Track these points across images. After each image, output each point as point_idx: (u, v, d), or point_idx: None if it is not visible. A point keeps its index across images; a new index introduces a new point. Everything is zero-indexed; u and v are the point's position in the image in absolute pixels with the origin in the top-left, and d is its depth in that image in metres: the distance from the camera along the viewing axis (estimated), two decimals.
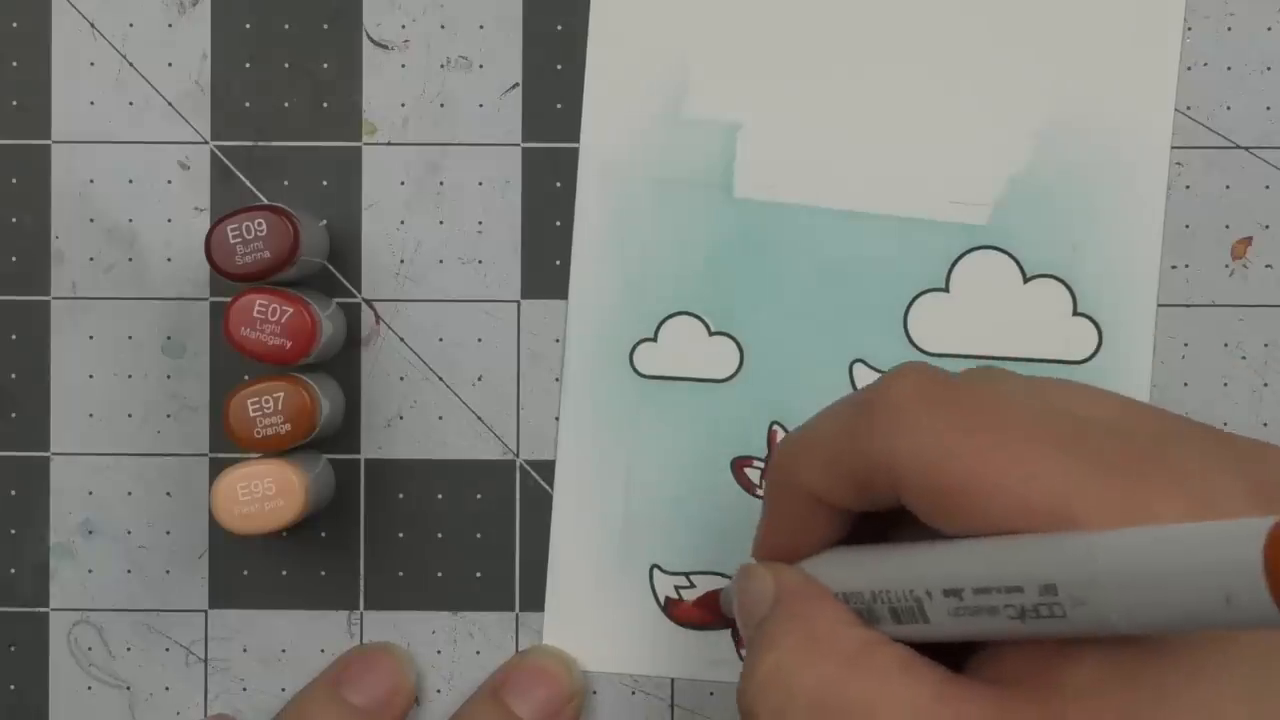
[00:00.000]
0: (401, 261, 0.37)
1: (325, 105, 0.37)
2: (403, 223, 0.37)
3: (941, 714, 0.23)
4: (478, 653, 0.37)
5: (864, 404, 0.26)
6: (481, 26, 0.37)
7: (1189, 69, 0.36)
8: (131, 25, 0.37)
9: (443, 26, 0.37)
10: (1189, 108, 0.36)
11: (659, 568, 0.37)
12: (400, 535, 0.37)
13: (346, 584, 0.37)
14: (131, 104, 0.37)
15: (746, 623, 0.28)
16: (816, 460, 0.27)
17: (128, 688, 0.37)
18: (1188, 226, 0.36)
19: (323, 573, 0.37)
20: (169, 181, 0.37)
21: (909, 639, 0.25)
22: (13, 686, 0.37)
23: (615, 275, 0.37)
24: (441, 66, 0.37)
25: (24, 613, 0.37)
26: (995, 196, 0.36)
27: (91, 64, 0.37)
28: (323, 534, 0.37)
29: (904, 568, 0.25)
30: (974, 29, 0.36)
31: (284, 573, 0.37)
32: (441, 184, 0.37)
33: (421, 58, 0.37)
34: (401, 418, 0.37)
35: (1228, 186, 0.36)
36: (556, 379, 0.37)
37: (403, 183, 0.37)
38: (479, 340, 0.37)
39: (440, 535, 0.37)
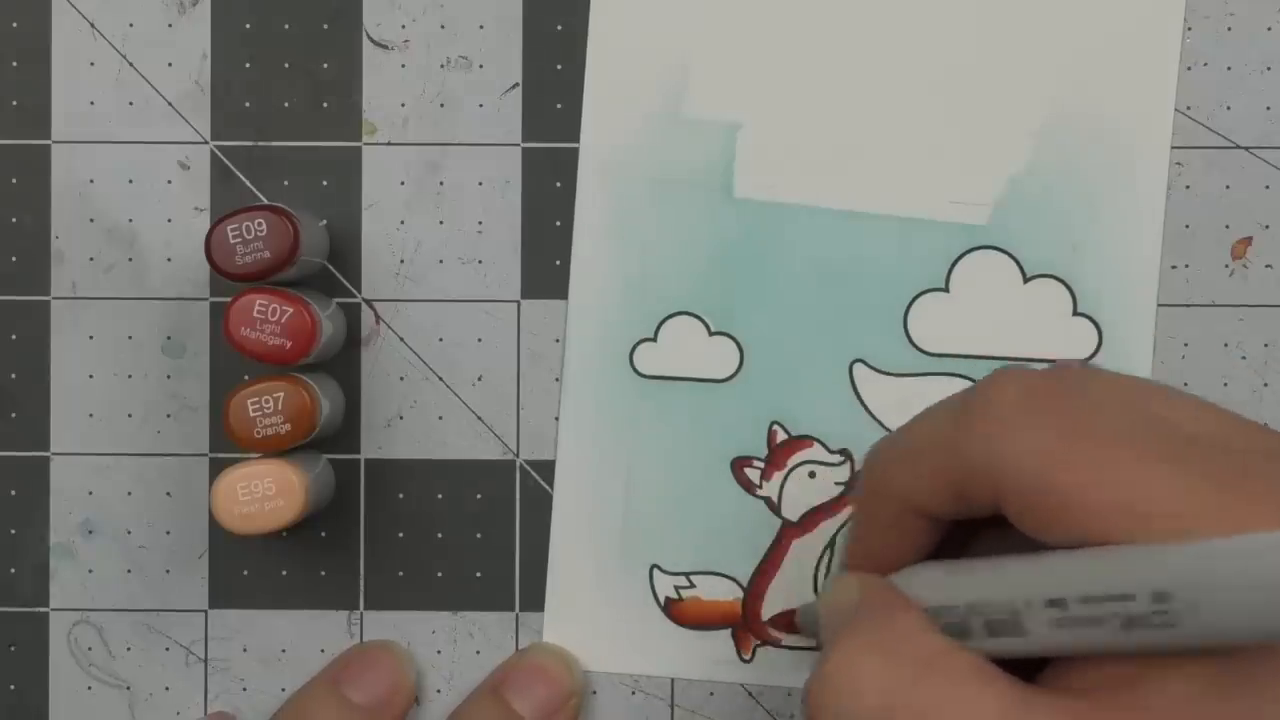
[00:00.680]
0: (401, 261, 0.37)
1: (325, 105, 0.37)
2: (403, 223, 0.37)
3: None
4: (478, 653, 0.37)
5: (964, 410, 0.25)
6: (481, 26, 0.37)
7: (1189, 69, 0.36)
8: (131, 25, 0.37)
9: (443, 26, 0.37)
10: (1189, 108, 0.36)
11: (659, 568, 0.37)
12: (400, 535, 0.37)
13: (346, 584, 0.37)
14: (131, 104, 0.37)
15: (829, 628, 0.28)
16: (913, 468, 0.26)
17: (128, 688, 0.37)
18: (1188, 226, 0.36)
19: (323, 573, 0.37)
20: (169, 181, 0.37)
21: (999, 654, 0.24)
22: (13, 686, 0.37)
23: (615, 275, 0.37)
24: (441, 66, 0.37)
25: (24, 613, 0.37)
26: (995, 196, 0.36)
27: (91, 64, 0.37)
28: (323, 534, 0.37)
29: (1003, 579, 0.25)
30: (974, 29, 0.36)
31: (284, 573, 0.37)
32: (441, 184, 0.37)
33: (421, 58, 0.37)
34: (401, 418, 0.37)
35: (1228, 186, 0.36)
36: (556, 379, 0.37)
37: (403, 183, 0.37)
38: (479, 340, 0.37)
39: (440, 535, 0.37)
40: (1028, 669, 0.24)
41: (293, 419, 0.33)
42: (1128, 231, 0.36)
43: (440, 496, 0.37)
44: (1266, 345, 0.36)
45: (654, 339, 0.37)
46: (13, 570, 0.37)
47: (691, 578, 0.37)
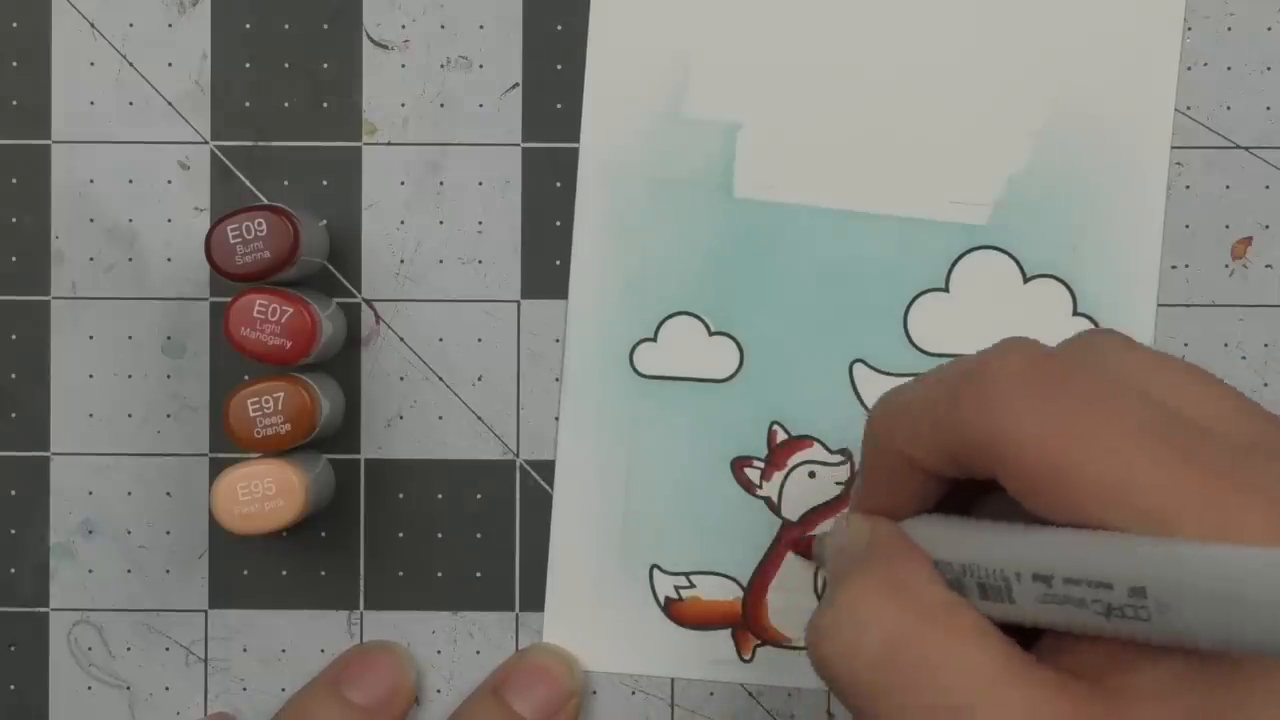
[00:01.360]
0: (401, 261, 0.37)
1: (325, 105, 0.37)
2: (403, 223, 0.37)
3: (1008, 690, 0.23)
4: (478, 653, 0.37)
5: (966, 376, 0.25)
6: (481, 26, 0.37)
7: (1189, 69, 0.36)
8: (131, 25, 0.37)
9: (443, 26, 0.37)
10: (1189, 108, 0.36)
11: (659, 568, 0.37)
12: (400, 535, 0.37)
13: (346, 584, 0.37)
14: (131, 104, 0.37)
15: (837, 566, 0.28)
16: (913, 426, 0.26)
17: (128, 688, 0.37)
18: (1188, 226, 0.36)
19: (323, 573, 0.37)
20: (169, 181, 0.37)
21: (990, 617, 0.25)
22: (13, 686, 0.37)
23: (615, 275, 0.37)
24: (441, 66, 0.37)
25: (24, 613, 0.37)
26: (995, 196, 0.36)
27: (91, 64, 0.37)
28: (323, 534, 0.37)
29: (997, 545, 0.25)
30: (974, 29, 0.36)
31: (284, 573, 0.37)
32: (441, 184, 0.37)
33: (421, 58, 0.37)
34: (401, 418, 0.37)
35: (1228, 186, 0.36)
36: (556, 379, 0.37)
37: (403, 183, 0.37)
38: (479, 340, 0.37)
39: (440, 535, 0.37)
40: (1024, 635, 0.25)
41: (293, 419, 0.33)
42: (1128, 231, 0.36)
43: (440, 496, 0.37)
44: (1266, 345, 0.36)
45: (654, 339, 0.37)
46: (13, 570, 0.37)
47: (691, 578, 0.37)
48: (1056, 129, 0.36)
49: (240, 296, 0.33)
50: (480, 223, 0.37)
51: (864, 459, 0.29)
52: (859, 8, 0.36)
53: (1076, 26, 0.36)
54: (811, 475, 0.37)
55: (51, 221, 0.37)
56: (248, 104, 0.37)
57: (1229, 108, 0.36)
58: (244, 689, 0.37)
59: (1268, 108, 0.36)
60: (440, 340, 0.37)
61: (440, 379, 0.37)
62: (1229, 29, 0.36)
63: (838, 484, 0.37)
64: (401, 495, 0.37)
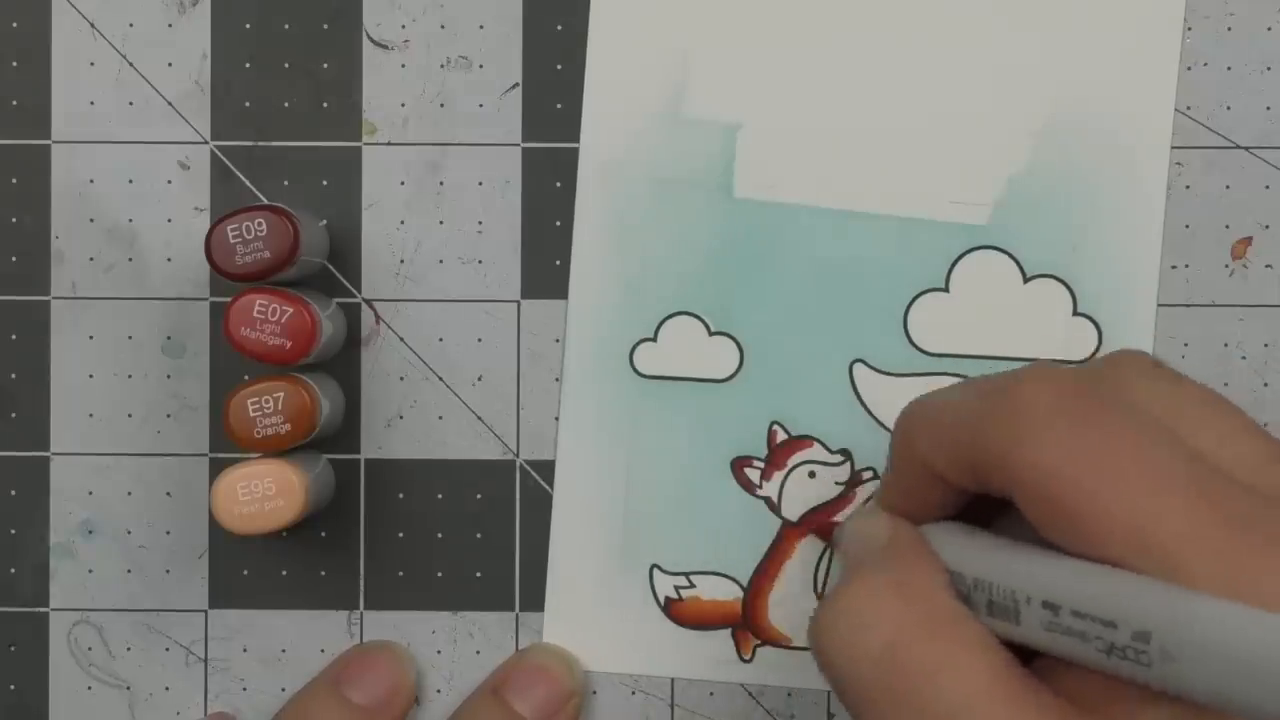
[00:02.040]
0: (401, 261, 0.37)
1: (325, 105, 0.37)
2: (403, 223, 0.37)
3: (1003, 706, 0.23)
4: (478, 653, 0.37)
5: (996, 398, 0.25)
6: (481, 26, 0.37)
7: (1189, 69, 0.36)
8: (131, 25, 0.37)
9: (443, 26, 0.37)
10: (1189, 108, 0.36)
11: (659, 568, 0.37)
12: (400, 535, 0.37)
13: (346, 584, 0.37)
14: (131, 104, 0.37)
15: (853, 557, 0.28)
16: (937, 439, 0.27)
17: (128, 688, 0.37)
18: (1188, 226, 0.36)
19: (323, 573, 0.37)
20: (169, 181, 0.37)
21: (995, 633, 0.25)
22: (13, 686, 0.37)
23: (615, 275, 0.37)
24: (441, 66, 0.37)
25: (24, 613, 0.37)
26: (995, 196, 0.36)
27: (91, 64, 0.37)
28: (323, 534, 0.37)
29: (1012, 566, 0.25)
30: (973, 29, 0.36)
31: (284, 573, 0.37)
32: (441, 184, 0.37)
33: (421, 58, 0.37)
34: (401, 418, 0.37)
35: (1228, 186, 0.36)
36: (556, 379, 0.37)
37: (403, 183, 0.37)
38: (479, 340, 0.37)
39: (440, 535, 0.37)
40: (1024, 651, 0.25)
41: (293, 419, 0.33)
42: (1128, 231, 0.36)
43: (440, 496, 0.37)
44: (1266, 345, 0.36)
45: (654, 339, 0.37)
46: (13, 570, 0.37)
47: (691, 578, 0.37)
48: (1056, 129, 0.36)
49: (240, 296, 0.33)
50: (480, 223, 0.37)
51: (890, 460, 0.29)
52: (859, 8, 0.36)
53: (1076, 26, 0.36)
54: (811, 475, 0.37)
55: (51, 221, 0.37)
56: (248, 104, 0.37)
57: (1229, 108, 0.36)
58: (244, 689, 0.37)
59: (1268, 108, 0.36)
60: (440, 340, 0.37)
61: (440, 379, 0.37)
62: (1229, 29, 0.36)
63: (838, 484, 0.37)
64: (401, 495, 0.37)
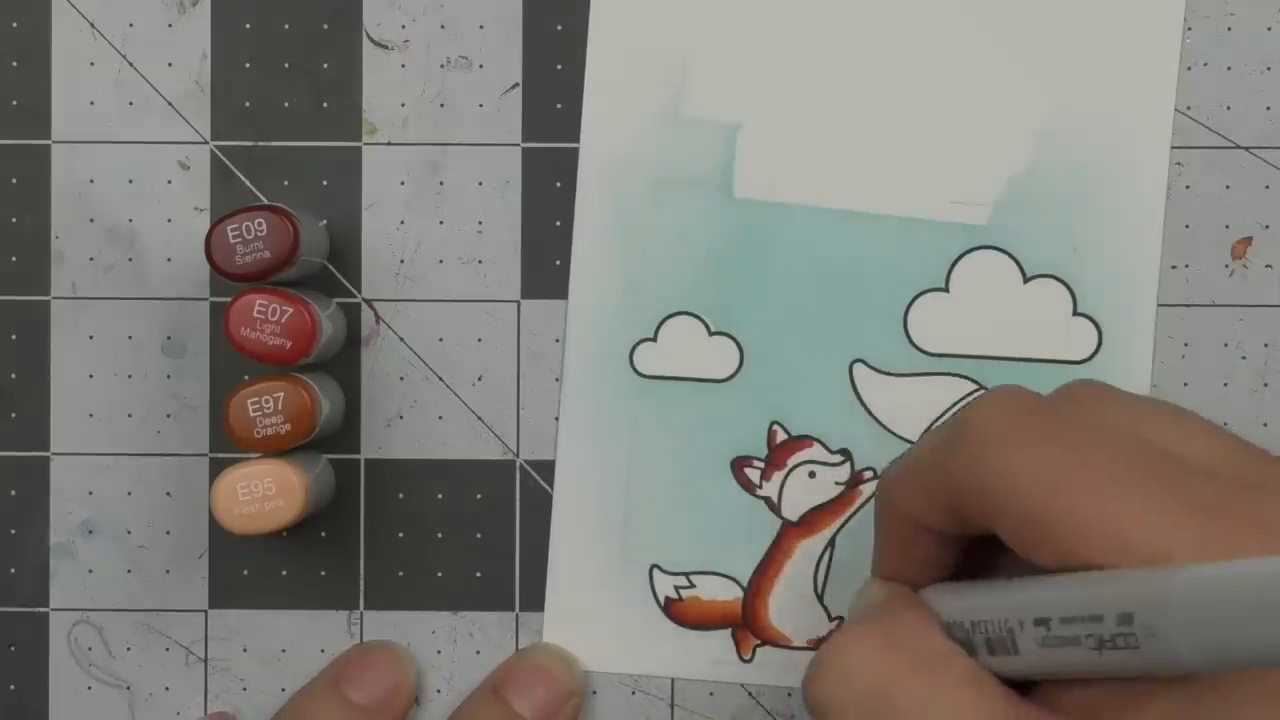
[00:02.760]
0: (401, 261, 0.37)
1: (325, 105, 0.37)
2: (403, 223, 0.37)
3: None
4: (478, 653, 0.37)
5: (952, 433, 0.25)
6: (481, 26, 0.37)
7: (1189, 69, 0.36)
8: (131, 25, 0.37)
9: (443, 26, 0.37)
10: (1189, 108, 0.36)
11: (659, 568, 0.37)
12: (400, 535, 0.37)
13: (346, 584, 0.37)
14: (131, 104, 0.37)
15: (846, 625, 0.28)
16: (912, 486, 0.27)
17: (128, 688, 0.37)
18: (1188, 226, 0.36)
19: (323, 573, 0.37)
20: (169, 181, 0.37)
21: (999, 673, 0.25)
22: (13, 686, 0.37)
23: (615, 275, 0.37)
24: (441, 66, 0.37)
25: (24, 613, 0.37)
26: (995, 196, 0.36)
27: (91, 64, 0.37)
28: (323, 534, 0.37)
29: (1000, 597, 0.25)
30: (974, 29, 0.36)
31: (284, 573, 0.37)
32: (441, 184, 0.37)
33: (421, 58, 0.37)
34: (401, 418, 0.37)
35: (1228, 186, 0.36)
36: (556, 379, 0.37)
37: (403, 183, 0.37)
38: (479, 340, 0.37)
39: (440, 535, 0.37)
40: (1023, 692, 0.25)
41: (293, 419, 0.33)
42: (1128, 231, 0.36)
43: (440, 496, 0.37)
44: (1266, 345, 0.36)
45: (654, 339, 0.37)
46: (13, 570, 0.37)
47: (691, 578, 0.37)
48: (1056, 129, 0.36)
49: (240, 296, 0.33)
50: (480, 223, 0.37)
51: (876, 526, 0.29)
52: (859, 8, 0.36)
53: (1076, 26, 0.36)
54: (811, 475, 0.37)
55: (51, 221, 0.37)
56: (248, 104, 0.37)
57: (1229, 108, 0.36)
58: (244, 689, 0.37)
59: (1268, 108, 0.36)
60: (440, 340, 0.37)
61: (440, 379, 0.37)
62: (1229, 29, 0.36)
63: (838, 484, 0.37)
64: (401, 495, 0.37)
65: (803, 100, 0.37)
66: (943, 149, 0.36)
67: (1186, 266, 0.36)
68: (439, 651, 0.37)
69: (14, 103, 0.37)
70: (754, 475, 0.37)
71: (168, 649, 0.37)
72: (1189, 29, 0.36)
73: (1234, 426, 0.36)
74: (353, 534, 0.37)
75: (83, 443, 0.37)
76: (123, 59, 0.37)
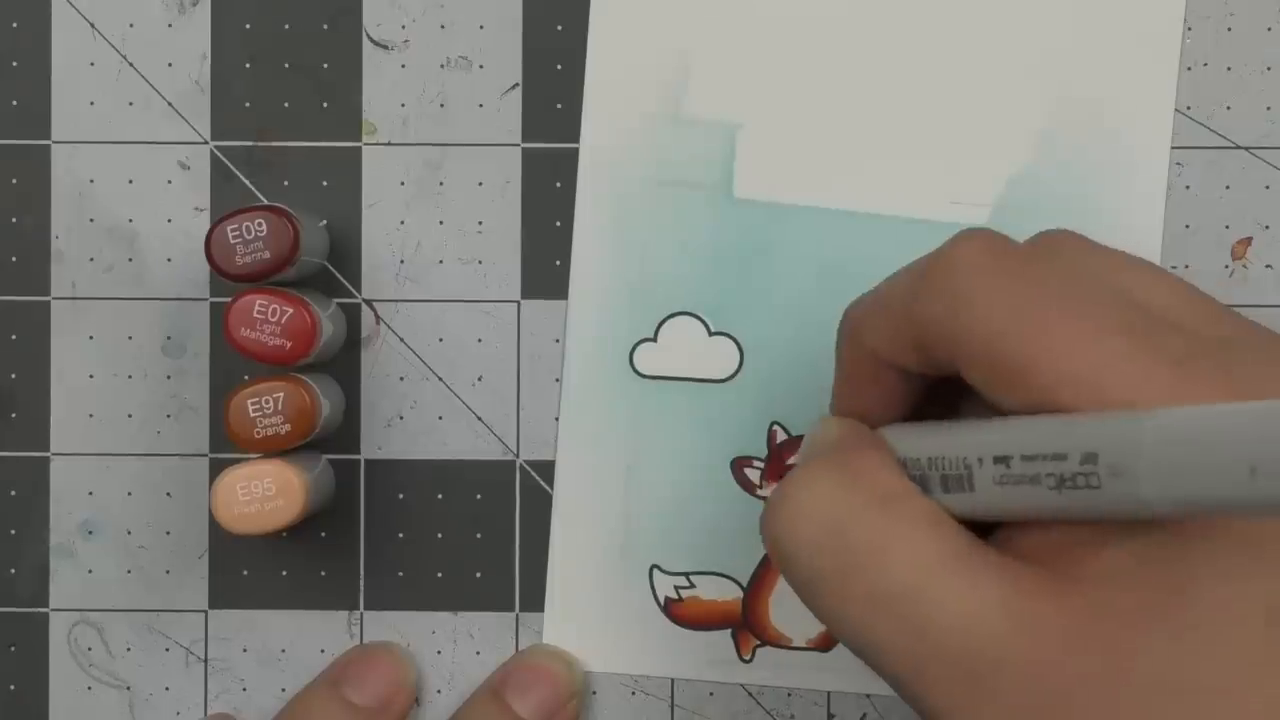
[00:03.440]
0: (401, 261, 0.37)
1: (325, 105, 0.37)
2: (403, 223, 0.37)
3: (955, 576, 0.23)
4: (478, 653, 0.37)
5: (927, 269, 0.25)
6: (481, 26, 0.37)
7: (1189, 69, 0.36)
8: (131, 25, 0.37)
9: (443, 26, 0.37)
10: (1189, 108, 0.36)
11: (659, 568, 0.37)
12: (400, 535, 0.37)
13: (346, 584, 0.37)
14: (131, 104, 0.37)
15: (801, 460, 0.28)
16: (879, 321, 0.26)
17: (128, 688, 0.37)
18: (1188, 226, 0.36)
19: (323, 573, 0.37)
20: (169, 181, 0.37)
21: (952, 511, 0.24)
22: (13, 686, 0.37)
23: (615, 275, 0.37)
24: (441, 66, 0.37)
25: (24, 613, 0.37)
26: (995, 196, 0.36)
27: (91, 64, 0.37)
28: (323, 534, 0.37)
29: (960, 436, 0.25)
30: (974, 29, 0.36)
31: (284, 573, 0.37)
32: (441, 184, 0.37)
33: (421, 58, 0.37)
34: (401, 418, 0.37)
35: (1228, 186, 0.36)
36: (556, 379, 0.37)
37: (403, 183, 0.37)
38: (479, 340, 0.37)
39: (440, 535, 0.37)
40: (981, 532, 0.24)
41: (293, 419, 0.33)
42: (1128, 231, 0.36)
43: (440, 496, 0.37)
44: None
45: (654, 339, 0.37)
46: (13, 570, 0.37)
47: (691, 578, 0.37)
48: (1056, 129, 0.36)
49: (240, 297, 0.33)
50: (480, 223, 0.37)
51: (838, 360, 0.28)
52: (859, 8, 0.36)
53: (1076, 26, 0.36)
54: None
55: (51, 221, 0.37)
56: (248, 104, 0.37)
57: (1229, 108, 0.36)
58: (244, 689, 0.37)
59: (1268, 108, 0.36)
60: (440, 340, 0.37)
61: (440, 379, 0.37)
62: (1229, 29, 0.36)
63: None
64: (401, 495, 0.37)
65: (803, 100, 0.37)
66: (943, 149, 0.36)
67: (1186, 266, 0.36)
68: (439, 651, 0.37)
69: (14, 103, 0.37)
70: (754, 475, 0.37)
71: (168, 649, 0.37)
72: (1189, 29, 0.36)
73: None
74: (353, 534, 0.37)
75: (83, 443, 0.37)
76: (123, 59, 0.37)
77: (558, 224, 0.37)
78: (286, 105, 0.37)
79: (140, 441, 0.37)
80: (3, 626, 0.37)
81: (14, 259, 0.37)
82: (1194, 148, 0.36)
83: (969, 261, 0.24)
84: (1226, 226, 0.36)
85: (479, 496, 0.37)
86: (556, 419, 0.37)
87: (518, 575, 0.37)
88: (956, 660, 0.23)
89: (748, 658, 0.37)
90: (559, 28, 0.37)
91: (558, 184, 0.37)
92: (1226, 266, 0.36)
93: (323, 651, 0.37)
